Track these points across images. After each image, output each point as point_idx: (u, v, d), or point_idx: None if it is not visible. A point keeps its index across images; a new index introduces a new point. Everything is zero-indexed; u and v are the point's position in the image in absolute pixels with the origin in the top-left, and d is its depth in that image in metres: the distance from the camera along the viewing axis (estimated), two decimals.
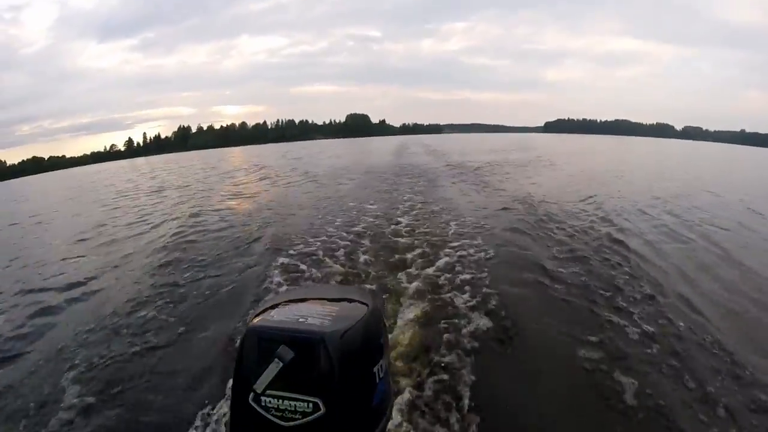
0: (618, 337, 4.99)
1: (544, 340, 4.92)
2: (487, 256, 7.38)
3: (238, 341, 1.05)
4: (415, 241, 8.38)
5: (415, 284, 6.23)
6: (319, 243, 8.61)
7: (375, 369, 1.09)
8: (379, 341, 1.13)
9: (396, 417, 3.45)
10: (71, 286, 7.55)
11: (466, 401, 3.73)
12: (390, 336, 4.89)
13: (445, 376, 4.07)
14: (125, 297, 6.69)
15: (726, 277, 7.05)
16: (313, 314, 1.06)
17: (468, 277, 6.47)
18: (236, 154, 57.79)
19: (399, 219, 10.54)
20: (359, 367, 1.04)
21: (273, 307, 1.11)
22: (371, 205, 12.72)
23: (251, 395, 0.98)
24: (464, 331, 4.84)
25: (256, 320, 1.06)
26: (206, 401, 3.93)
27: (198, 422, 3.70)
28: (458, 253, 7.52)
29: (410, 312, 5.40)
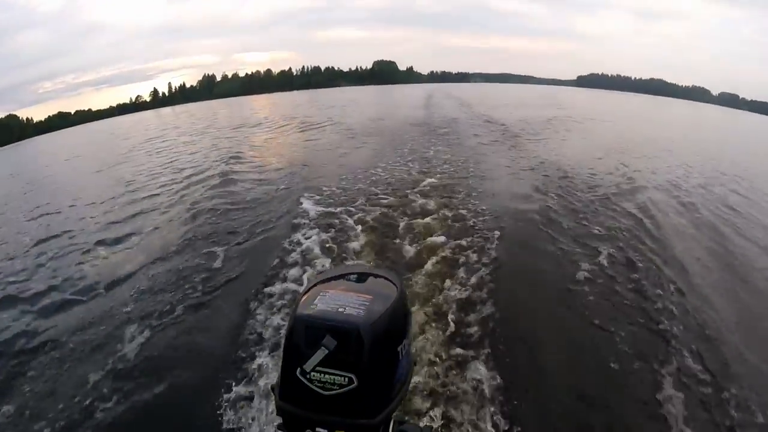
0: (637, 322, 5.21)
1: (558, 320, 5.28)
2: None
3: (288, 324, 1.24)
4: (440, 211, 8.56)
5: (433, 258, 6.51)
6: (347, 208, 8.90)
7: (399, 348, 1.29)
8: (403, 324, 1.33)
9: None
10: (115, 241, 7.96)
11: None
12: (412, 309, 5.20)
13: (459, 350, 4.47)
14: (171, 256, 7.08)
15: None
16: (350, 304, 1.25)
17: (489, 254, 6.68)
18: (263, 105, 57.08)
19: (424, 183, 10.70)
20: (386, 347, 1.24)
21: (315, 288, 1.31)
22: (399, 165, 12.88)
23: (299, 370, 1.18)
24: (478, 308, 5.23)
25: (302, 307, 1.24)
26: (253, 363, 4.48)
27: (242, 383, 4.23)
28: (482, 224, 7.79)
29: (427, 286, 5.75)
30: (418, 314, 5.06)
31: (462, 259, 6.45)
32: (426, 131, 20.84)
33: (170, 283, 6.27)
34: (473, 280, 5.83)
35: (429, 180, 10.81)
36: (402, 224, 7.98)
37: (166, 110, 72.27)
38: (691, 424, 3.61)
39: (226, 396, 4.08)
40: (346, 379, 1.18)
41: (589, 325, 5.11)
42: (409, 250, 6.90)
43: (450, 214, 8.38)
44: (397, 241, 7.17)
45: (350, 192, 10.03)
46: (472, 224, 7.87)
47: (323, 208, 8.71)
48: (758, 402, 4.02)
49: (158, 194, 11.40)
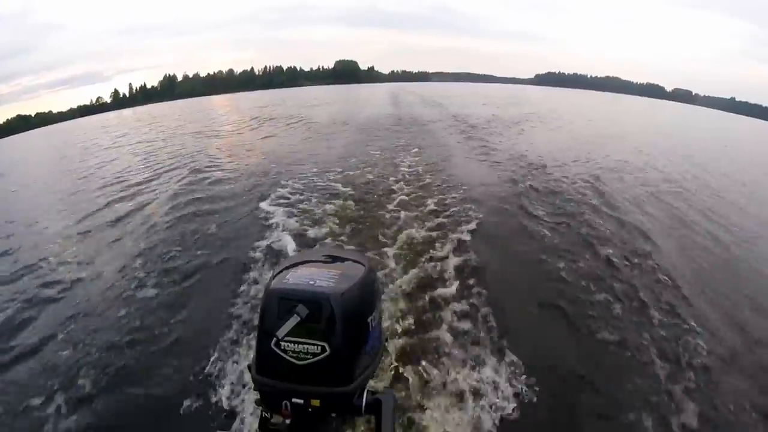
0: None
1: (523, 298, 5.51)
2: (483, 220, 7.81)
3: (261, 300, 1.29)
4: (412, 201, 8.87)
5: (401, 246, 6.76)
6: (318, 200, 9.10)
7: (369, 319, 1.35)
8: (372, 297, 1.40)
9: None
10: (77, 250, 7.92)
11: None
12: (385, 289, 5.45)
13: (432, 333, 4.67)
14: (138, 261, 7.05)
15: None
16: (320, 277, 1.31)
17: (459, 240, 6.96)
18: (226, 105, 56.03)
19: (394, 177, 10.93)
20: (356, 318, 1.29)
21: (287, 269, 1.36)
22: (366, 159, 13.07)
23: (273, 341, 1.23)
24: (449, 295, 5.39)
25: (275, 283, 1.30)
26: (229, 347, 4.68)
27: (225, 361, 4.45)
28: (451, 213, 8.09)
29: (401, 269, 6.01)
30: (394, 303, 5.25)
31: (436, 246, 6.69)
32: (395, 127, 21.20)
33: (132, 295, 6.10)
34: (448, 265, 6.06)
35: (401, 173, 11.16)
36: (376, 215, 8.21)
37: (128, 111, 70.00)
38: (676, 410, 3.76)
39: (204, 384, 4.21)
40: (319, 347, 1.23)
41: (559, 300, 5.41)
42: (382, 240, 7.08)
43: (423, 204, 8.68)
44: (370, 232, 7.37)
45: (319, 186, 10.17)
46: (443, 213, 8.18)
47: (293, 204, 8.83)
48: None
49: (120, 199, 11.04)
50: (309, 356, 1.23)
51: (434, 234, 7.22)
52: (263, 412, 1.31)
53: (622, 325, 4.93)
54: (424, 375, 4.05)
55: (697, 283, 6.11)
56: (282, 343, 1.23)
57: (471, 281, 5.65)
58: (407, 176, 10.87)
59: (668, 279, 6.10)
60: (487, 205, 8.70)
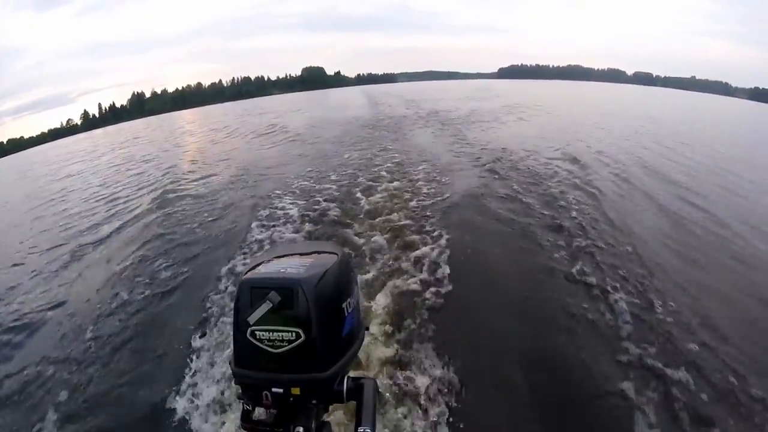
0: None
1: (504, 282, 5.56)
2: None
3: (235, 293, 1.27)
4: (393, 198, 8.79)
5: (380, 237, 6.82)
6: (294, 202, 9.10)
7: (344, 305, 1.34)
8: (346, 283, 1.38)
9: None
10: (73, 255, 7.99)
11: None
12: (364, 279, 5.54)
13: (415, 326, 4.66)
14: (120, 274, 7.03)
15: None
16: (292, 266, 1.31)
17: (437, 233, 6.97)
18: (196, 119, 55.09)
19: (371, 173, 10.95)
20: (330, 303, 1.28)
21: (260, 264, 1.34)
22: (341, 160, 13.03)
23: (248, 331, 1.22)
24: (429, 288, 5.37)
25: (248, 274, 1.30)
26: (209, 346, 4.74)
27: (205, 360, 4.51)
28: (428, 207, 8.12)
29: (378, 265, 6.00)
30: (374, 293, 5.31)
31: (417, 243, 6.66)
32: (370, 128, 21.18)
33: (111, 310, 6.04)
34: (427, 261, 6.03)
35: (380, 172, 11.11)
36: (354, 212, 8.24)
37: (98, 131, 68.78)
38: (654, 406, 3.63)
39: (188, 385, 4.21)
40: (293, 334, 1.21)
41: (536, 293, 5.35)
42: (360, 234, 7.15)
43: (403, 200, 8.68)
44: (348, 228, 7.39)
45: (297, 188, 10.17)
46: (424, 207, 8.21)
47: (272, 207, 8.81)
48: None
49: (101, 220, 10.84)
50: (284, 343, 1.22)
51: (413, 226, 7.31)
52: (245, 405, 1.28)
53: (594, 314, 4.87)
54: (405, 365, 4.07)
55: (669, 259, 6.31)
56: (257, 333, 1.23)
57: (448, 271, 5.69)
58: (383, 173, 10.91)
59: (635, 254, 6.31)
60: (461, 195, 8.82)
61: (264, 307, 1.17)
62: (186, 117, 59.71)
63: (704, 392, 3.76)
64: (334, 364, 1.27)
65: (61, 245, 9.39)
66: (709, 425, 3.45)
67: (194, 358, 4.56)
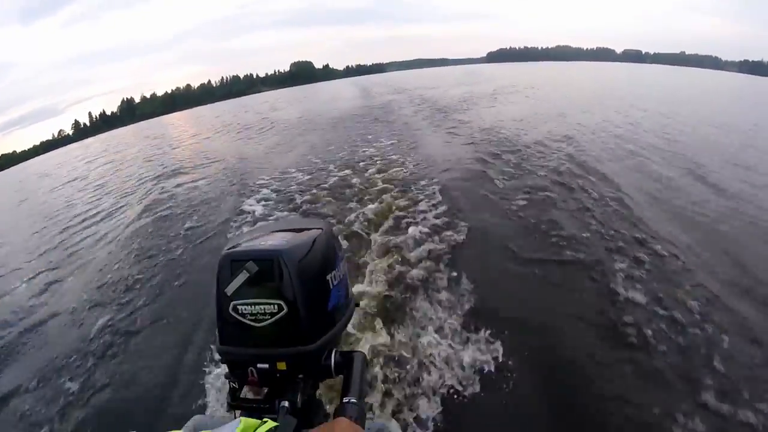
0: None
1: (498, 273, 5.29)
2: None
3: (216, 267, 1.24)
4: (391, 187, 8.59)
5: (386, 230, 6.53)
6: (292, 194, 9.03)
7: (328, 277, 1.31)
8: (330, 256, 1.35)
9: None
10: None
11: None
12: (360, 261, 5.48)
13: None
14: (125, 263, 7.16)
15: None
16: (273, 239, 1.28)
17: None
18: (188, 121, 54.72)
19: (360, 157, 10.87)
20: (313, 275, 1.25)
21: (243, 242, 1.31)
22: (335, 150, 12.96)
23: (230, 306, 1.20)
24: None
25: (229, 249, 1.27)
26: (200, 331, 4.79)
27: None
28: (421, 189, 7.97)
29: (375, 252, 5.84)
30: (369, 277, 5.22)
31: (411, 221, 6.65)
32: (365, 117, 21.11)
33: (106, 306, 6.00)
34: (426, 245, 5.89)
35: (376, 159, 11.03)
36: (350, 199, 8.17)
37: (90, 140, 68.32)
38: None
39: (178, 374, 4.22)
40: (275, 306, 1.18)
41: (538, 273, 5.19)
42: (355, 216, 7.10)
43: (400, 187, 8.52)
44: (344, 215, 7.29)
45: (295, 183, 9.96)
46: (420, 191, 8.09)
47: (268, 203, 8.67)
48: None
49: (99, 220, 10.83)
50: (267, 316, 1.19)
51: (407, 205, 7.30)
52: (231, 383, 1.25)
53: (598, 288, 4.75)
54: (397, 342, 4.02)
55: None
56: (239, 307, 1.20)
57: (446, 256, 5.54)
58: (377, 160, 10.92)
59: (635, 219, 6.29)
60: (456, 178, 8.74)
61: (241, 277, 1.16)
62: (175, 120, 59.16)
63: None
64: (320, 338, 1.24)
65: (54, 249, 9.37)
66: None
67: (193, 353, 4.51)
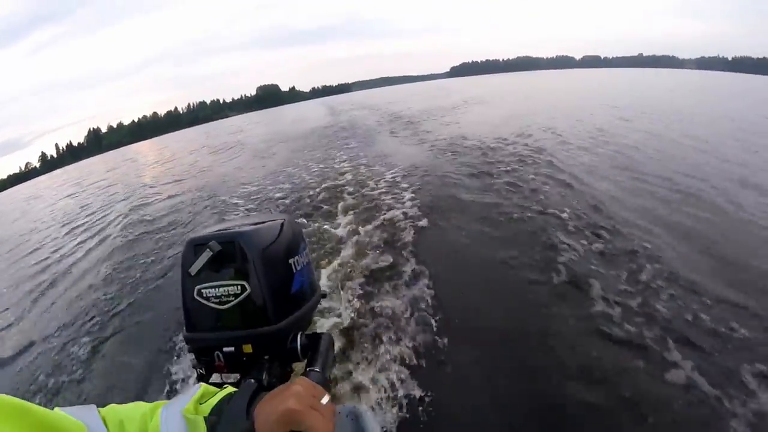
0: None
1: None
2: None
3: (181, 253, 1.28)
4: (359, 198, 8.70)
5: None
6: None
7: (290, 261, 1.37)
8: (292, 242, 1.41)
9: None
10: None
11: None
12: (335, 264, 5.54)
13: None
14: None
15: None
16: (235, 224, 1.36)
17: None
18: (147, 151, 53.28)
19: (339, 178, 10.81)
20: (274, 257, 1.30)
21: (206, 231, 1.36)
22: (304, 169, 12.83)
23: (195, 290, 1.24)
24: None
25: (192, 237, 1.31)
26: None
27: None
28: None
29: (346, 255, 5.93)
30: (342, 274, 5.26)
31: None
32: (333, 131, 21.58)
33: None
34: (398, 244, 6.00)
35: (345, 175, 10.87)
36: (321, 199, 8.61)
37: (58, 171, 66.20)
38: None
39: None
40: (239, 287, 1.22)
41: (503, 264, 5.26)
42: (329, 221, 7.37)
43: (367, 187, 9.00)
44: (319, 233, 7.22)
45: (266, 198, 10.10)
46: (388, 190, 8.53)
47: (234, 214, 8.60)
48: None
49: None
50: (231, 298, 1.23)
51: (379, 206, 7.61)
52: (198, 370, 1.26)
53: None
54: (368, 337, 4.07)
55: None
56: (203, 291, 1.24)
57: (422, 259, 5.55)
58: (350, 179, 10.81)
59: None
60: (422, 177, 9.22)
61: (204, 256, 1.21)
62: (142, 149, 57.31)
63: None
64: (284, 319, 1.27)
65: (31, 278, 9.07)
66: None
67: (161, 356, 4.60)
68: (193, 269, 1.21)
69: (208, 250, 1.20)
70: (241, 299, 1.22)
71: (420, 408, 3.17)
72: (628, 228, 5.88)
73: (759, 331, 3.65)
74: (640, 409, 2.94)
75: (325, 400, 0.77)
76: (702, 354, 3.41)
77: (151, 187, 16.24)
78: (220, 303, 1.23)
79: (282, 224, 1.41)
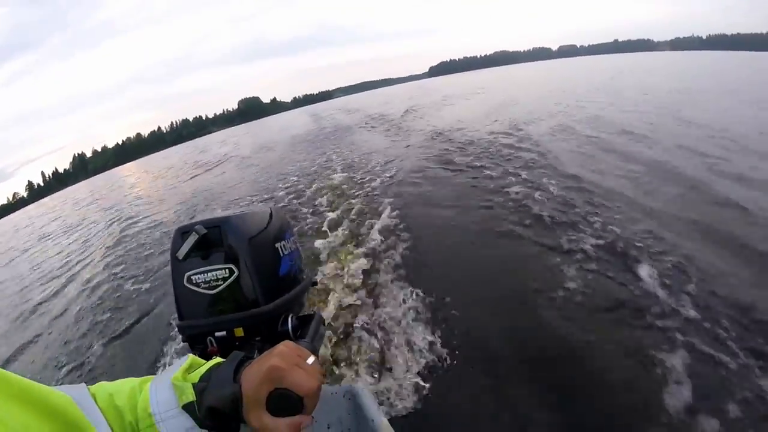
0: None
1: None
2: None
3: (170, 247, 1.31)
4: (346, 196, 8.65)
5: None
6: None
7: (277, 246, 1.40)
8: (278, 228, 1.45)
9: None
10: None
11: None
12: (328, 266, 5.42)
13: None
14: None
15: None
16: (223, 215, 1.35)
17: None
18: (134, 172, 52.91)
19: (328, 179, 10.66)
20: (261, 241, 1.33)
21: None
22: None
23: (185, 278, 1.26)
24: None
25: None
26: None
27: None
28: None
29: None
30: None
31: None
32: (318, 136, 21.62)
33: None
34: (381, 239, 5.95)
35: (334, 175, 10.87)
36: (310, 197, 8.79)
37: (46, 200, 65.44)
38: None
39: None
40: (227, 270, 1.24)
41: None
42: (318, 215, 7.49)
43: (355, 185, 9.04)
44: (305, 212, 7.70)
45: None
46: (376, 188, 8.53)
47: None
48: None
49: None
50: (220, 282, 1.25)
51: (367, 203, 7.63)
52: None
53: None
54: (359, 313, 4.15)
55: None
56: (193, 277, 1.26)
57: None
58: (335, 167, 11.33)
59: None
60: (410, 172, 9.22)
61: (191, 239, 1.23)
62: (129, 171, 56.38)
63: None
64: (273, 300, 1.29)
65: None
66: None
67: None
68: (181, 252, 1.22)
69: (194, 233, 1.22)
70: (230, 282, 1.24)
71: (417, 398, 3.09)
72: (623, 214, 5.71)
73: None
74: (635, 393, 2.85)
75: (311, 360, 0.77)
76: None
77: (138, 206, 16.09)
78: (210, 288, 1.25)
79: (268, 212, 1.47)
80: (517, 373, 3.21)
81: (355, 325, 4.04)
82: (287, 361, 0.74)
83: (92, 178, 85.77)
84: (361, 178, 9.50)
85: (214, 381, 0.79)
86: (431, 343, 3.60)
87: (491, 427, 2.81)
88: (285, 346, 0.78)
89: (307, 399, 0.72)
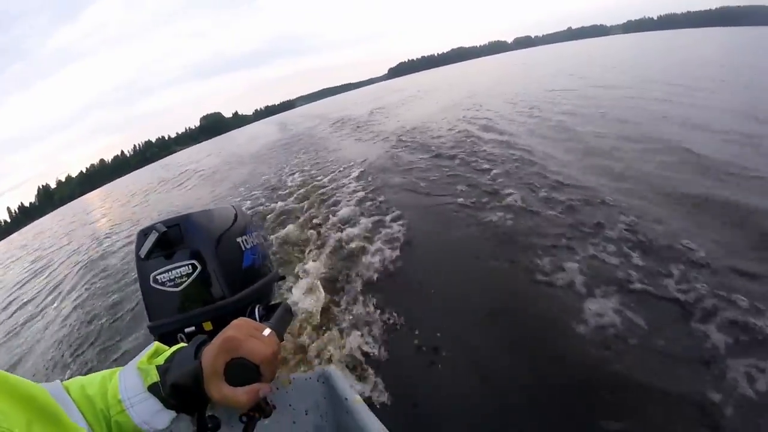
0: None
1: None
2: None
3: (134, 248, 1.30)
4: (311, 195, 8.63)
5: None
6: None
7: (239, 240, 1.42)
8: (240, 224, 1.47)
9: None
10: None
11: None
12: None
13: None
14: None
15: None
16: (183, 213, 1.35)
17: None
18: (101, 199, 51.77)
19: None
20: (221, 235, 1.35)
21: None
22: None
23: (150, 278, 1.26)
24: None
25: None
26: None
27: None
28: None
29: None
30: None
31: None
32: (285, 144, 21.55)
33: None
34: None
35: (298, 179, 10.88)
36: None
37: (14, 236, 63.51)
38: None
39: None
40: (190, 266, 1.26)
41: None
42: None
43: (325, 182, 9.10)
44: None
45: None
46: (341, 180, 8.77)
47: None
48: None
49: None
50: (184, 278, 1.26)
51: (332, 198, 7.75)
52: None
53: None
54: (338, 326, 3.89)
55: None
56: (158, 277, 1.27)
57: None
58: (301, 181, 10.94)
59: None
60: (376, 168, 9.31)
61: (151, 238, 1.24)
62: (96, 198, 55.30)
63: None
64: (238, 292, 1.31)
65: None
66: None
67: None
68: (143, 251, 1.24)
69: (154, 231, 1.23)
70: (194, 277, 1.26)
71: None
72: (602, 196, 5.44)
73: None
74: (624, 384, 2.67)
75: (267, 332, 0.78)
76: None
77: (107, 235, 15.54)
78: (175, 285, 1.26)
79: (228, 208, 1.50)
80: (497, 361, 3.11)
81: (331, 321, 3.98)
82: (242, 332, 0.76)
83: (60, 208, 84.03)
84: (331, 179, 9.40)
85: (177, 360, 0.83)
86: (399, 336, 3.59)
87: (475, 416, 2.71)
88: (240, 321, 0.80)
89: (263, 366, 0.74)
